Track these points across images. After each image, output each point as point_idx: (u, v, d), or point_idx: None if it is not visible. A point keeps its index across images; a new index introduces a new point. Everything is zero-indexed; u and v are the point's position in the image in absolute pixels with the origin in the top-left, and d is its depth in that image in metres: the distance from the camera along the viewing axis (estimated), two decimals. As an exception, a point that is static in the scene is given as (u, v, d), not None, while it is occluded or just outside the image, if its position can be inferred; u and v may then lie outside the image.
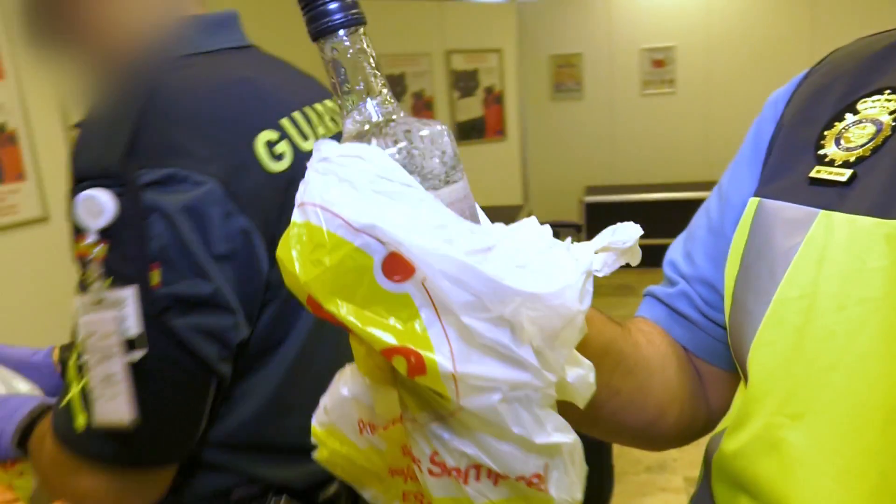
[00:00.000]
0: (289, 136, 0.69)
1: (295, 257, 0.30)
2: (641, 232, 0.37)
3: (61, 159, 2.46)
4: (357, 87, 0.34)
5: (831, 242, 0.43)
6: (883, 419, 0.38)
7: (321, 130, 0.74)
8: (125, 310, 0.56)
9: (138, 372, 0.57)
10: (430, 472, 0.33)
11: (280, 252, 0.31)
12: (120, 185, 0.58)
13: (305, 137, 0.71)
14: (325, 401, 0.40)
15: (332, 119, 0.77)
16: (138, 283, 0.57)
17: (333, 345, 0.74)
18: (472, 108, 5.35)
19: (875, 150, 0.44)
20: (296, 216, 0.31)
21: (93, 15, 0.70)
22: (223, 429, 0.70)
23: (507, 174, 5.57)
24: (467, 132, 5.31)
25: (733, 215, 0.53)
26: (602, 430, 0.55)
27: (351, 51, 0.33)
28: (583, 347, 0.42)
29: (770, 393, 0.44)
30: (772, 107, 0.56)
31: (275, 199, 0.66)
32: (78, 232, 0.59)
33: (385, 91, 0.34)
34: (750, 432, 0.45)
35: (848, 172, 0.44)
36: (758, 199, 0.50)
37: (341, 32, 0.33)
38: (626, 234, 0.37)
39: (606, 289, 4.86)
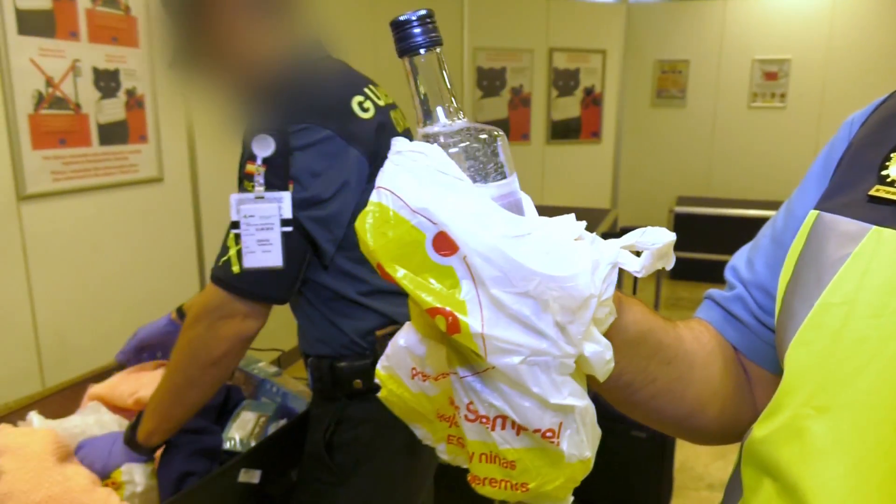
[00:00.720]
0: (370, 98, 1.11)
1: (368, 229, 0.37)
2: (674, 237, 0.41)
3: (178, 127, 2.66)
4: (431, 96, 0.41)
5: (878, 255, 0.45)
6: None
7: (382, 97, 1.16)
8: (283, 203, 1.00)
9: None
10: (466, 418, 0.39)
11: (357, 224, 0.38)
12: (277, 134, 1.00)
13: (378, 98, 1.15)
14: (388, 349, 0.47)
15: (386, 95, 1.20)
16: (283, 190, 1.00)
17: None
18: (570, 107, 5.32)
19: None
20: (372, 197, 0.38)
21: (233, 46, 1.09)
22: (364, 284, 1.12)
23: (599, 177, 5.51)
24: (562, 131, 5.29)
25: (795, 226, 0.55)
26: (641, 415, 0.58)
27: (428, 66, 0.40)
28: (619, 332, 0.47)
29: (801, 387, 0.47)
30: (847, 127, 0.58)
31: (370, 135, 1.08)
32: (250, 158, 1.01)
33: (453, 100, 0.41)
34: (779, 421, 0.48)
35: None
36: (817, 211, 0.52)
37: (422, 52, 0.40)
38: (656, 236, 0.41)
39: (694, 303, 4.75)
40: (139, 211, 2.52)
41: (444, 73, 0.41)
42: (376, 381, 0.48)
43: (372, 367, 1.05)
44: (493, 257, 0.35)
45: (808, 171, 0.60)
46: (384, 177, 0.38)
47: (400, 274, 0.36)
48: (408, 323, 0.45)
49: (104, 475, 1.06)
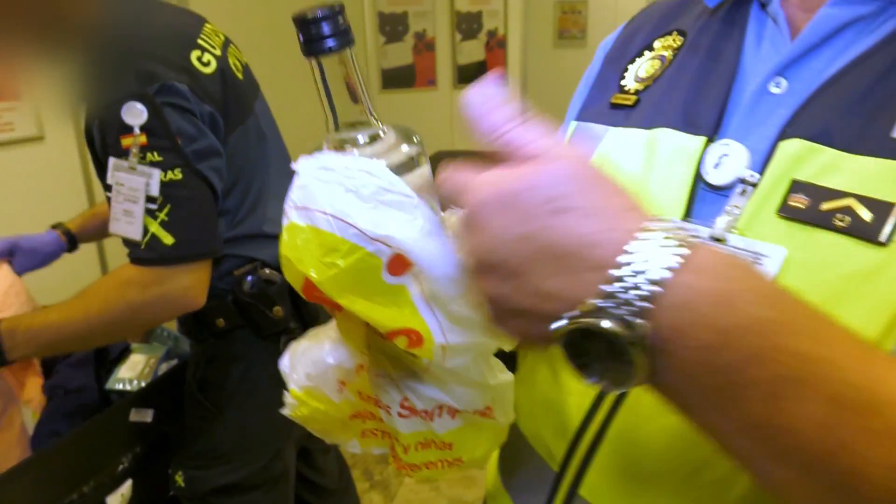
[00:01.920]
0: (207, 50, 1.07)
1: (307, 260, 0.34)
2: None
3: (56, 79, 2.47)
4: (343, 99, 0.37)
5: (613, 149, 0.55)
6: None
7: (215, 42, 1.11)
8: (152, 181, 0.94)
9: (189, 198, 0.97)
10: (400, 415, 0.40)
11: (285, 251, 0.35)
12: (141, 98, 0.94)
13: (214, 46, 1.10)
14: (308, 370, 0.46)
15: (216, 34, 1.14)
16: (174, 149, 0.95)
17: (266, 168, 1.19)
18: (474, 51, 5.32)
19: (655, 80, 0.56)
20: (298, 219, 0.34)
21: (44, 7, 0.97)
22: (225, 230, 1.12)
23: (506, 120, 5.58)
24: (469, 76, 5.30)
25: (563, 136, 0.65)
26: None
27: (341, 68, 0.36)
28: None
29: None
30: (601, 50, 0.68)
31: (218, 89, 1.06)
32: (124, 131, 0.94)
33: (367, 103, 0.37)
34: None
35: (634, 98, 0.56)
36: (576, 122, 0.62)
37: (334, 53, 0.35)
38: None
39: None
40: (21, 173, 2.38)
41: (357, 73, 0.36)
42: (291, 399, 0.47)
43: (232, 304, 1.13)
44: (454, 278, 0.35)
45: (575, 91, 0.69)
46: (314, 197, 0.34)
47: (356, 305, 0.35)
48: (329, 341, 0.45)
49: None
